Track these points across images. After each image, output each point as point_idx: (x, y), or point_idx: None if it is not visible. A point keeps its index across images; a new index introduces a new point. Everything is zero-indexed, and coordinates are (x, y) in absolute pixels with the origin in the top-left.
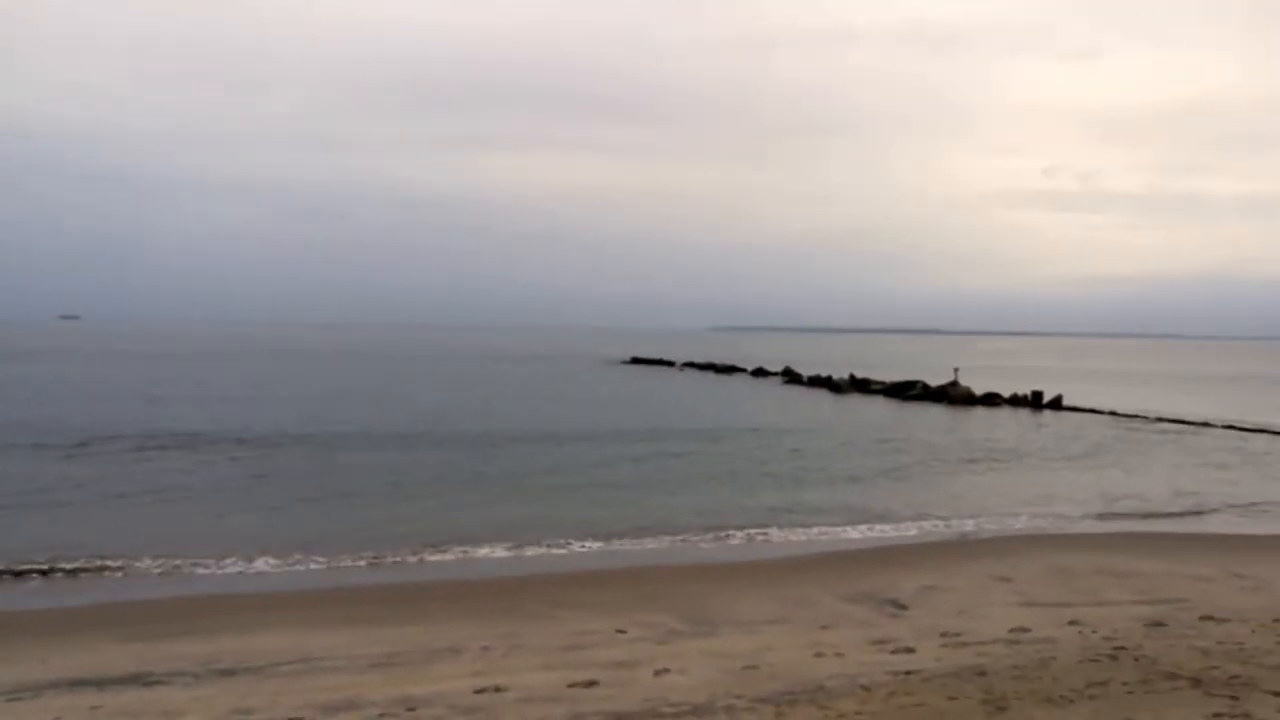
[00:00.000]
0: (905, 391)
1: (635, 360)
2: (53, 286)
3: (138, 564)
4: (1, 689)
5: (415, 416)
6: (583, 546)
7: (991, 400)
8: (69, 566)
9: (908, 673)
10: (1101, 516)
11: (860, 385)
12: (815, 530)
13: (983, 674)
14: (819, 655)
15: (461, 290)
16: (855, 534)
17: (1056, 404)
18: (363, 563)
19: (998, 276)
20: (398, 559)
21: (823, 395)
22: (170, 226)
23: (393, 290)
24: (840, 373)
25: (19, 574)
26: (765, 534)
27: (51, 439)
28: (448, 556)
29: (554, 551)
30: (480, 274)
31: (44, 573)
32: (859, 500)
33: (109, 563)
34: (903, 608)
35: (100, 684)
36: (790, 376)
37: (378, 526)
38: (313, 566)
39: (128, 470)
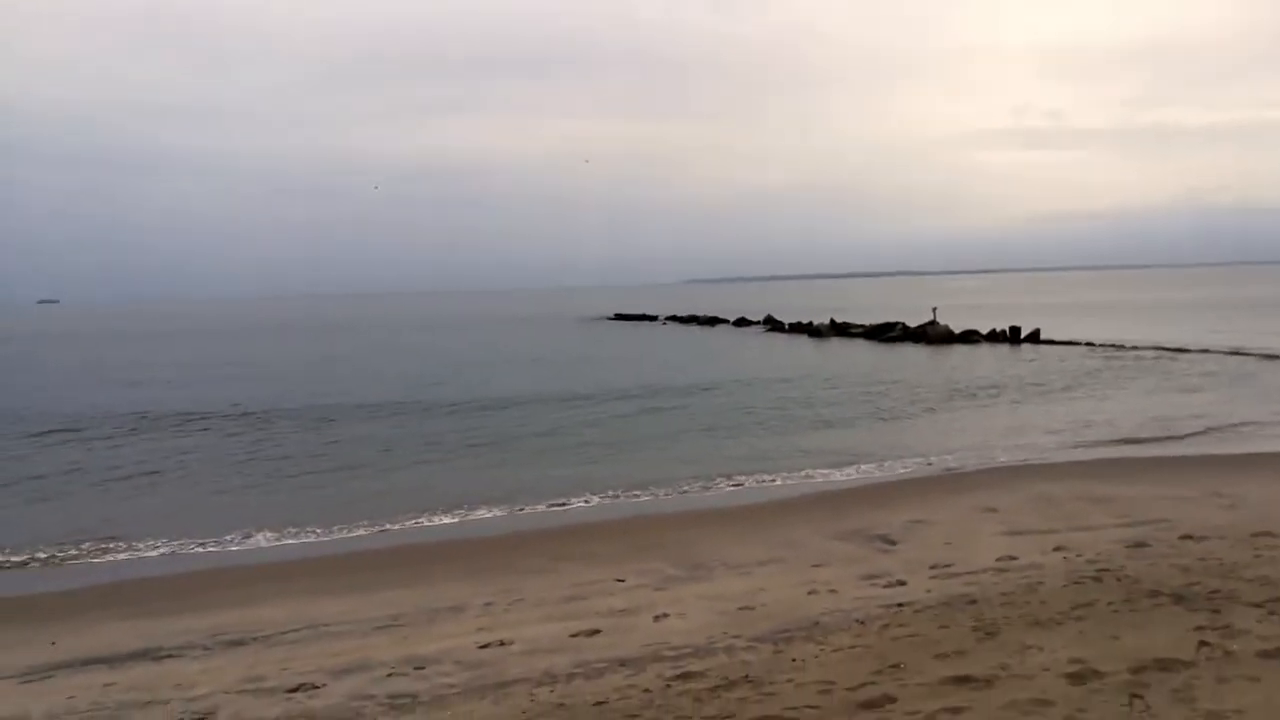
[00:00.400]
0: (885, 333)
1: (619, 316)
2: (31, 271)
3: (137, 544)
4: (14, 672)
5: (404, 385)
6: (581, 503)
7: (970, 338)
8: (69, 550)
9: (900, 605)
10: (1083, 445)
11: (841, 330)
12: (803, 473)
13: (973, 602)
14: (812, 593)
15: (442, 258)
16: (842, 475)
17: (1035, 338)
18: (361, 531)
19: (971, 217)
20: (396, 525)
21: (804, 341)
22: (154, 207)
23: (375, 261)
24: (820, 318)
25: (20, 560)
26: (755, 480)
27: (40, 423)
28: (446, 519)
29: (550, 509)
30: (460, 241)
31: (44, 558)
32: (845, 442)
33: (108, 544)
34: (892, 543)
35: (110, 662)
36: (772, 324)
37: (374, 495)
38: (312, 538)
39: (119, 452)
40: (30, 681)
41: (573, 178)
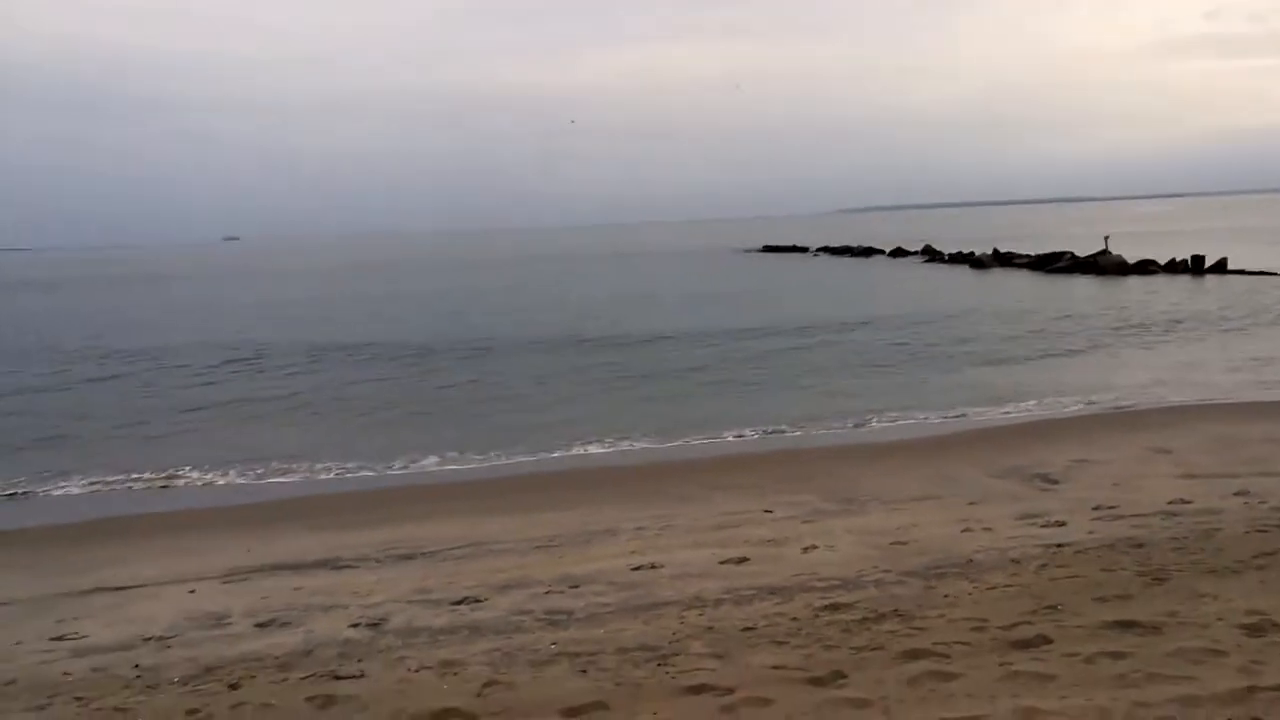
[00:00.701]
0: (1052, 263)
1: (768, 249)
2: (217, 210)
3: (315, 465)
4: (216, 573)
5: (560, 321)
6: (731, 436)
7: (1146, 268)
8: (257, 469)
9: (1059, 546)
10: (1270, 384)
11: (1004, 260)
12: (960, 410)
13: (1140, 545)
14: (967, 530)
15: (590, 191)
16: (1001, 412)
17: (1220, 268)
18: (520, 458)
19: (1154, 134)
20: (552, 454)
21: (965, 273)
22: (318, 147)
23: (524, 195)
24: (983, 248)
25: (218, 476)
26: (910, 416)
27: (222, 355)
28: (599, 449)
29: (703, 441)
30: (605, 174)
31: (237, 475)
32: (1006, 379)
33: (293, 465)
34: (1053, 482)
35: (297, 568)
36: (931, 255)
37: (530, 425)
38: (473, 464)
39: (297, 379)
40: (230, 582)
41: (722, 107)
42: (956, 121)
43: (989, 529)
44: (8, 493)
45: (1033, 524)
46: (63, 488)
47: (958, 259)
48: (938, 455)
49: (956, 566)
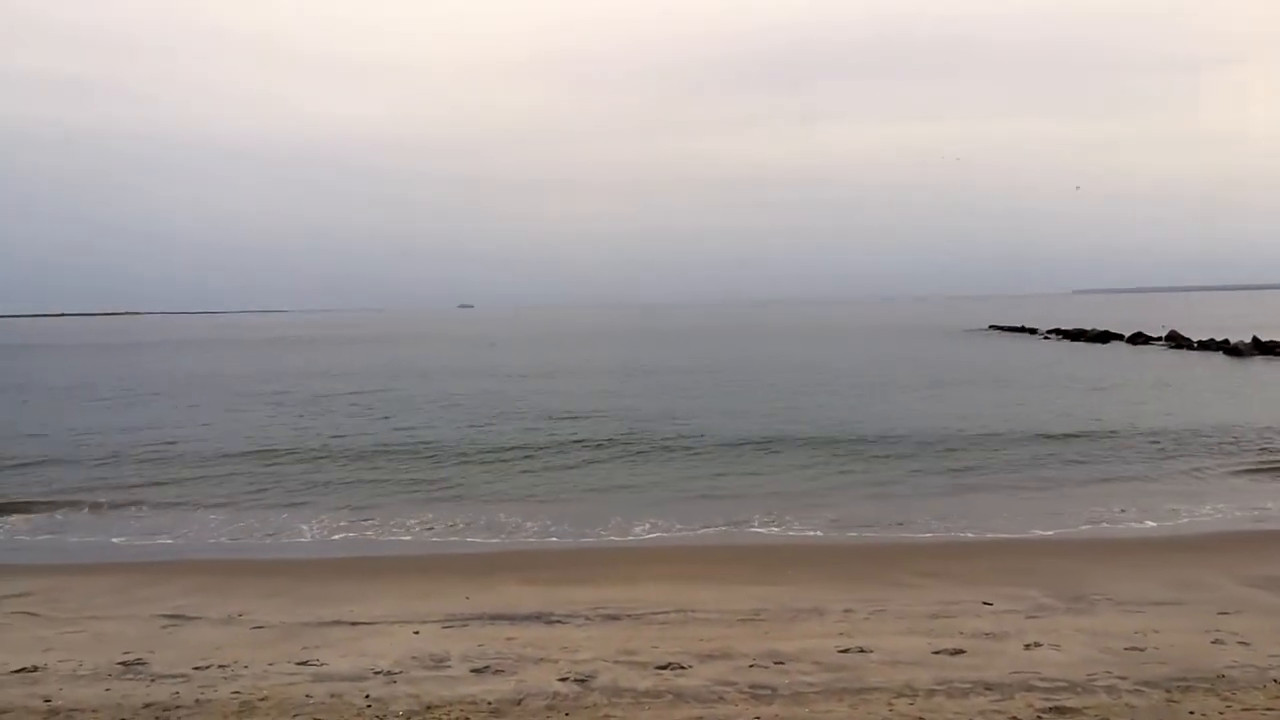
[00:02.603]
0: None
1: (994, 328)
2: (452, 280)
3: (528, 524)
4: (439, 617)
5: (769, 409)
6: (942, 525)
7: None
8: (478, 525)
9: None
10: None
11: (1267, 348)
12: (1207, 509)
13: None
14: (1217, 642)
15: (791, 264)
16: (1252, 516)
17: None
18: (725, 527)
19: None
20: (760, 528)
21: (1219, 361)
22: (539, 222)
23: (720, 268)
24: (1237, 335)
25: (445, 530)
26: (1141, 510)
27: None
28: (808, 530)
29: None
30: (811, 247)
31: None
32: (1267, 480)
33: (505, 519)
34: None
35: (512, 619)
36: (1176, 341)
37: (733, 496)
38: (680, 532)
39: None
40: (450, 627)
41: (946, 182)
42: (1203, 197)
43: (1245, 643)
44: (270, 532)
45: None
46: (319, 524)
47: (1208, 346)
48: (1180, 556)
49: (1205, 681)
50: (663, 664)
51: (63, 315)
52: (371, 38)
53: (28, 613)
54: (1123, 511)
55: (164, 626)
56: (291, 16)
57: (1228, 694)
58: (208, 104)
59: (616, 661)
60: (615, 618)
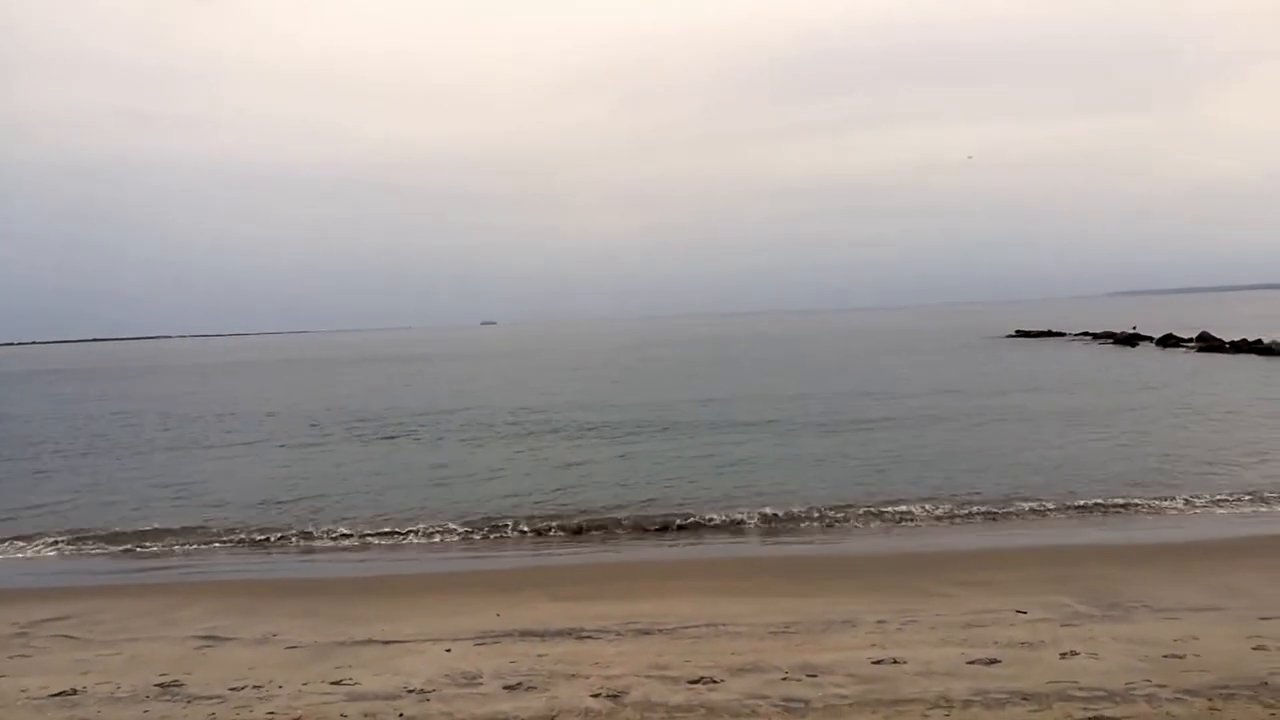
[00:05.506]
0: None
1: (1019, 333)
2: (475, 297)
3: (550, 534)
4: (470, 634)
5: (807, 403)
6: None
7: None
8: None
9: None
10: None
11: None
12: (1249, 510)
13: None
14: (1260, 649)
15: (821, 272)
16: None
17: None
18: (756, 539)
19: None
20: (782, 539)
21: (1253, 362)
22: (571, 233)
23: (763, 277)
24: (1273, 334)
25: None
26: (1180, 512)
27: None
28: (839, 543)
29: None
30: (842, 254)
31: (465, 531)
32: None
33: (524, 526)
34: None
35: (543, 635)
36: (1207, 343)
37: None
38: (709, 544)
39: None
40: (482, 644)
41: (975, 186)
42: (1241, 198)
43: None
44: (307, 552)
45: None
46: (345, 541)
47: (1241, 347)
48: (1221, 561)
49: (1248, 689)
50: (695, 678)
51: (110, 340)
52: (437, 67)
53: (66, 636)
54: (1156, 516)
55: (198, 648)
56: (355, 49)
57: (1271, 702)
58: (261, 134)
59: (648, 676)
60: (646, 632)
